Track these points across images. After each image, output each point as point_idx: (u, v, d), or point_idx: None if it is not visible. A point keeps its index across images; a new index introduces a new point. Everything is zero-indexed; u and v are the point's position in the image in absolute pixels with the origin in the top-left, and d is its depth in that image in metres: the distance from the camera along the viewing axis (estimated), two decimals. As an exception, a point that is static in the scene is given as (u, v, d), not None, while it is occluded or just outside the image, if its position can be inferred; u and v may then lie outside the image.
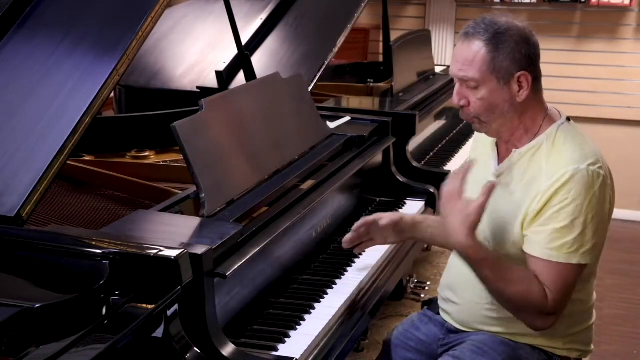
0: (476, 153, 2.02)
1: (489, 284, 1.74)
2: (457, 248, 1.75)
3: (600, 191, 1.71)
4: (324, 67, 3.02)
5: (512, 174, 1.82)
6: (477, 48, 1.74)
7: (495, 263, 1.72)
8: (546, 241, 1.71)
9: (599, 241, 1.74)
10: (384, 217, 1.94)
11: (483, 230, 1.83)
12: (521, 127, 1.82)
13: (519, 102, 1.76)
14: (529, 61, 1.75)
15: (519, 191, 1.78)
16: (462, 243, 1.71)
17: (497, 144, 1.91)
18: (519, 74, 1.74)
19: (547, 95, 1.86)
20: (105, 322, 1.37)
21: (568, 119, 1.84)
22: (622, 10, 4.69)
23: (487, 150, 1.94)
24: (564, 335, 1.84)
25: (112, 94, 3.02)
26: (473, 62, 1.74)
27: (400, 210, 2.70)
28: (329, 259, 2.23)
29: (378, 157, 2.80)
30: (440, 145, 3.68)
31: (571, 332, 1.86)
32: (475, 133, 2.06)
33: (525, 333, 1.82)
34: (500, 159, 1.88)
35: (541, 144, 1.79)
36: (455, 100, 1.82)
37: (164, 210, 1.88)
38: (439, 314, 2.04)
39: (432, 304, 2.13)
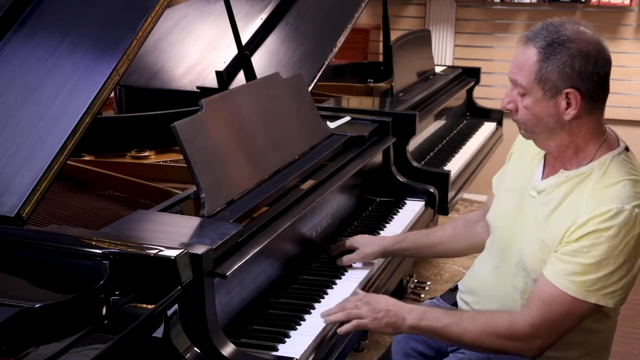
0: (520, 150, 1.94)
1: (456, 339, 1.75)
2: (408, 331, 1.80)
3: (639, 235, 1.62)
4: (324, 67, 3.01)
5: (553, 193, 1.74)
6: (530, 54, 1.66)
7: (442, 327, 1.74)
8: (568, 272, 1.63)
9: (627, 284, 1.65)
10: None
11: (516, 247, 1.81)
12: (571, 147, 1.72)
13: (566, 120, 1.67)
14: (581, 78, 1.63)
15: (556, 215, 1.71)
16: (406, 330, 1.78)
17: (545, 155, 1.82)
18: (567, 90, 1.64)
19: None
20: (105, 322, 1.37)
21: (627, 148, 1.74)
22: (622, 10, 4.69)
23: (531, 156, 1.86)
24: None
25: (112, 94, 3.02)
26: (523, 68, 1.67)
27: (400, 211, 2.70)
28: (329, 259, 2.23)
29: (378, 157, 2.80)
30: (440, 145, 3.68)
31: None
32: None
33: None
34: (546, 173, 1.80)
35: (592, 171, 1.69)
36: (504, 102, 1.74)
37: (164, 210, 1.88)
38: (454, 305, 2.03)
39: (447, 294, 2.12)
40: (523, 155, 1.90)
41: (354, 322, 1.79)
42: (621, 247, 1.61)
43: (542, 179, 1.80)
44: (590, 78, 1.64)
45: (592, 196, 1.66)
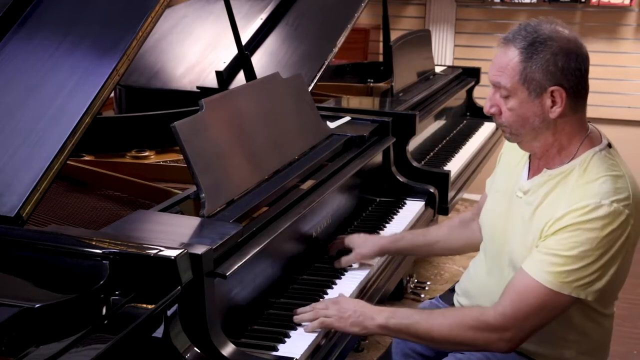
0: (509, 152, 1.94)
1: (425, 337, 1.74)
2: (377, 331, 1.80)
3: (618, 230, 1.61)
4: (324, 67, 3.01)
5: (537, 193, 1.74)
6: (512, 55, 1.67)
7: (411, 324, 1.73)
8: (545, 264, 1.63)
9: (603, 277, 1.63)
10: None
11: (507, 249, 1.80)
12: (555, 145, 1.72)
13: (552, 118, 1.67)
14: (565, 75, 1.65)
15: (538, 212, 1.72)
16: (374, 329, 1.77)
17: (530, 156, 1.83)
18: (552, 88, 1.65)
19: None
20: (105, 322, 1.37)
21: (609, 145, 1.74)
22: (622, 10, 4.69)
23: (519, 158, 1.87)
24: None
25: (112, 94, 3.02)
26: (506, 69, 1.68)
27: (400, 211, 2.70)
28: (329, 259, 2.23)
29: (378, 157, 2.80)
30: (440, 145, 3.68)
31: None
32: None
33: (534, 347, 1.78)
34: (531, 173, 1.81)
35: (573, 168, 1.69)
36: (486, 107, 1.75)
37: (164, 210, 1.88)
38: (452, 306, 2.02)
39: (447, 295, 2.12)
40: (512, 157, 1.91)
41: (320, 320, 1.80)
42: (598, 240, 1.61)
43: (527, 180, 1.81)
44: (573, 74, 1.66)
45: (573, 192, 1.66)
